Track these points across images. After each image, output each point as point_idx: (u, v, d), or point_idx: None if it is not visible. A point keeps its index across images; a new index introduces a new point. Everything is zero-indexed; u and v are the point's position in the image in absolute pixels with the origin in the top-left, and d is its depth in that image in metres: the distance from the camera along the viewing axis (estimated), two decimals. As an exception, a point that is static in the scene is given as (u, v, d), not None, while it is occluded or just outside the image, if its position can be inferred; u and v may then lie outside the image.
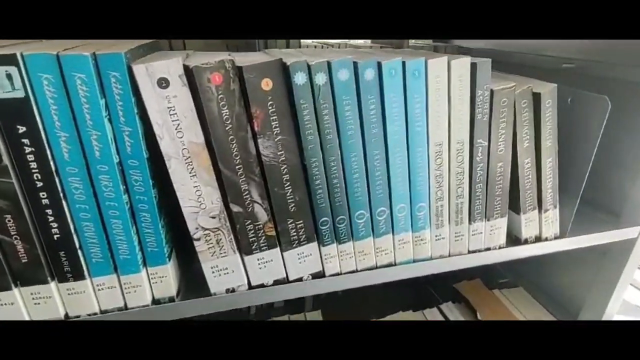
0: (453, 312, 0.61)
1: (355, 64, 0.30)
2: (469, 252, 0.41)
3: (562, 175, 0.42)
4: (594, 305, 0.56)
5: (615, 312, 0.55)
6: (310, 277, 0.36)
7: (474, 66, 0.33)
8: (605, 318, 0.55)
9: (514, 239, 0.44)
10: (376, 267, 0.38)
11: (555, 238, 0.44)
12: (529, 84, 0.37)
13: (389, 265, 0.39)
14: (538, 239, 0.44)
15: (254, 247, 0.33)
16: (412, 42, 0.78)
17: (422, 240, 0.39)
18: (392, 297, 0.71)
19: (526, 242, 0.43)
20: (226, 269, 0.33)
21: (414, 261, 0.39)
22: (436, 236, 0.39)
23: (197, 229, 0.31)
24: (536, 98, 0.37)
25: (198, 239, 0.31)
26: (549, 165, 0.40)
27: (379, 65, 0.31)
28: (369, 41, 0.88)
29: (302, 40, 0.79)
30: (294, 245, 0.34)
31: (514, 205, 0.42)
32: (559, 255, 0.59)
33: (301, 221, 0.34)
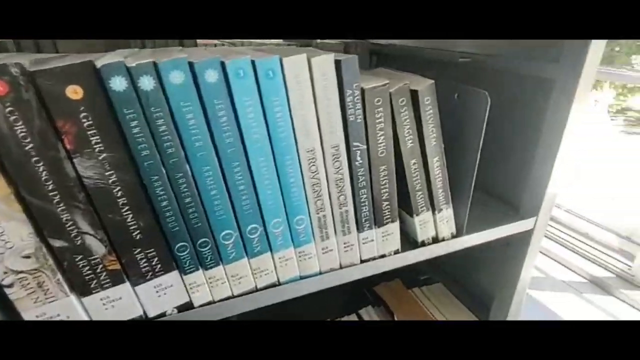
0: (371, 317, 0.59)
1: (191, 64, 0.26)
2: (362, 261, 0.38)
3: (454, 173, 0.41)
4: (503, 296, 0.56)
5: (522, 301, 0.56)
6: (176, 310, 0.31)
7: (338, 64, 0.30)
8: (512, 308, 0.55)
9: (411, 242, 0.42)
10: (257, 290, 0.34)
11: (453, 237, 0.43)
12: (406, 80, 0.35)
13: (273, 285, 0.35)
14: (435, 239, 0.43)
15: (93, 285, 0.28)
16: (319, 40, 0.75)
17: (307, 255, 0.35)
18: (326, 303, 0.68)
19: (423, 244, 0.42)
20: (58, 315, 0.27)
21: (301, 278, 0.36)
22: (323, 249, 0.36)
23: (5, 273, 0.25)
24: (414, 95, 0.35)
25: (10, 285, 0.25)
26: (436, 165, 0.39)
27: (223, 65, 0.27)
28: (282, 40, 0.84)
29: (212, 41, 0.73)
30: (148, 278, 0.29)
31: (407, 207, 0.40)
32: (469, 248, 0.60)
33: (152, 249, 0.29)
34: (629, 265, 1.50)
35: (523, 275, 0.52)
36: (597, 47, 0.40)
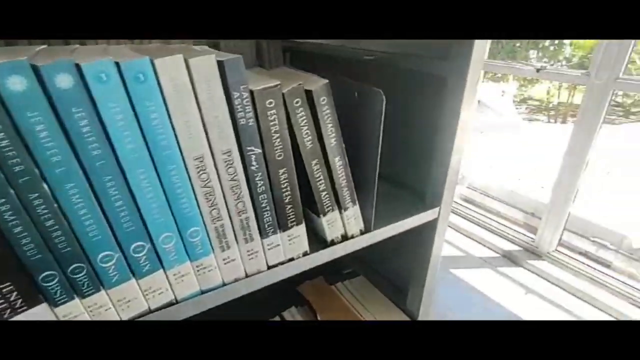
0: (295, 317, 0.58)
1: (36, 68, 0.22)
2: (269, 267, 0.37)
3: (357, 170, 0.41)
4: (417, 280, 0.59)
5: (434, 283, 0.59)
6: (50, 347, 0.28)
7: (221, 65, 0.29)
8: (426, 291, 0.58)
9: (321, 241, 0.42)
10: (150, 311, 0.32)
11: (362, 233, 0.44)
12: (301, 80, 0.35)
13: (170, 304, 0.33)
14: (345, 237, 0.43)
15: None
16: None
17: (206, 267, 0.33)
18: (251, 306, 0.66)
19: (333, 243, 0.42)
20: None
21: (203, 292, 0.34)
22: (224, 259, 0.34)
23: None
24: (309, 96, 0.35)
25: None
26: (338, 164, 0.39)
27: (79, 69, 0.23)
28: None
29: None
30: (6, 316, 0.25)
31: (313, 208, 0.40)
32: (381, 240, 0.62)
33: (7, 283, 0.25)
34: (533, 238, 1.68)
35: (433, 258, 0.55)
36: (481, 46, 0.43)
